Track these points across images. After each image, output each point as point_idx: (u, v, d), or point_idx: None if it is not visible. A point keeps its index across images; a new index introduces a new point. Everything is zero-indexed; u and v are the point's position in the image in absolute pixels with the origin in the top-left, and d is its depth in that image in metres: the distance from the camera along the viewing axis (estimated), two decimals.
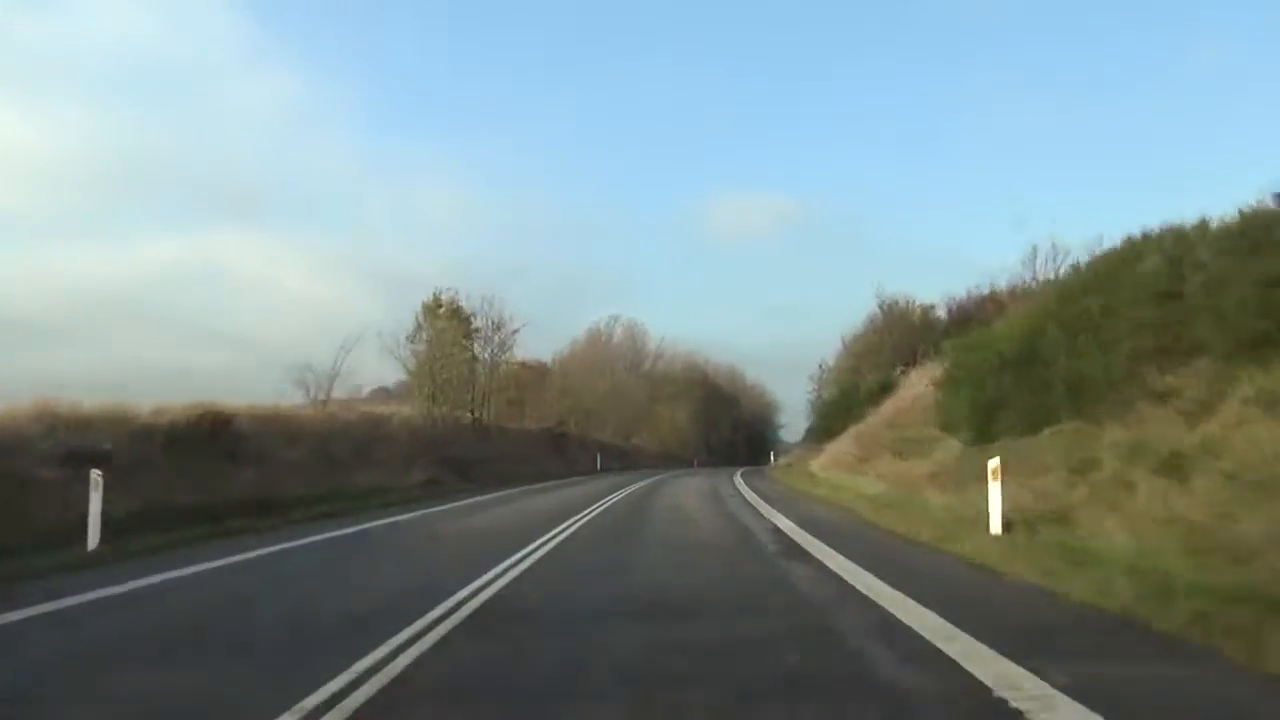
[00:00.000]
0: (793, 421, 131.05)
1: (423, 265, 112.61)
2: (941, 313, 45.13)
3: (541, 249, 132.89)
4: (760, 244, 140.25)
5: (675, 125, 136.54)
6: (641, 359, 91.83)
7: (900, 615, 7.13)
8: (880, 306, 51.39)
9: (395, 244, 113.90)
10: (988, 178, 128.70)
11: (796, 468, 45.99)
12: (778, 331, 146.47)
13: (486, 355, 45.27)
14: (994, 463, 12.19)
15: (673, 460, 74.20)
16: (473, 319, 43.75)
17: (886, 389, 39.13)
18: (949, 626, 6.56)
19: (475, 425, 39.89)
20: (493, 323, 45.98)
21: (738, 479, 37.61)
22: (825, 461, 39.25)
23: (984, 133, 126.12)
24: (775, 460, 72.23)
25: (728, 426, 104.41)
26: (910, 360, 41.46)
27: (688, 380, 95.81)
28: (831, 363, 69.60)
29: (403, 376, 41.97)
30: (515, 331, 46.22)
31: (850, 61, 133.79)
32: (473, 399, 40.90)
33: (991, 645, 5.90)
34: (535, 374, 63.44)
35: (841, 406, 46.22)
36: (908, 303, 50.80)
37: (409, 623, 6.93)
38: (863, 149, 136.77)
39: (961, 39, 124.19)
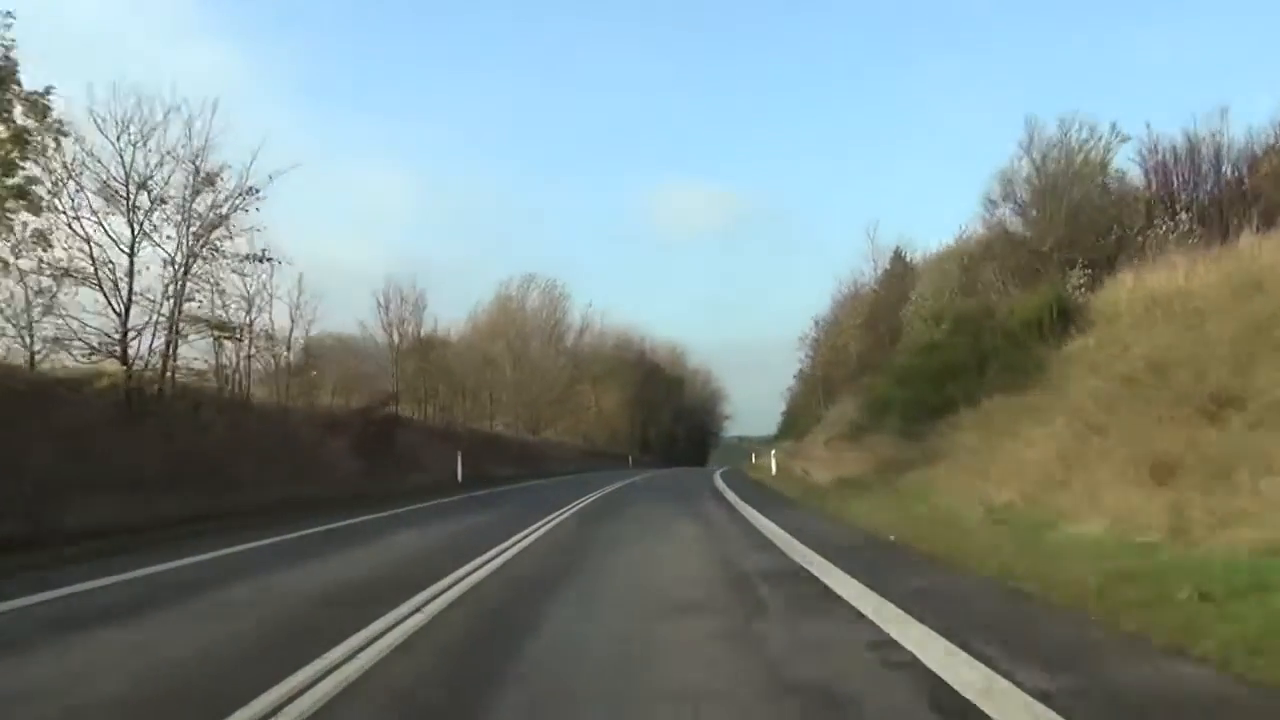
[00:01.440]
0: (740, 414, 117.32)
1: (358, 254, 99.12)
2: None
3: (484, 241, 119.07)
4: (705, 236, 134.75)
5: (624, 113, 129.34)
6: (562, 331, 73.17)
7: None
8: None
9: (330, 231, 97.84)
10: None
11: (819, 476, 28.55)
12: (722, 324, 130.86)
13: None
14: None
15: (600, 460, 55.92)
16: None
17: None
18: None
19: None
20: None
21: (779, 533, 19.54)
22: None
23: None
24: (755, 460, 54.52)
25: (668, 417, 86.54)
26: None
27: (620, 359, 77.72)
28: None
29: None
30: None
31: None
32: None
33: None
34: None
35: None
36: None
37: None
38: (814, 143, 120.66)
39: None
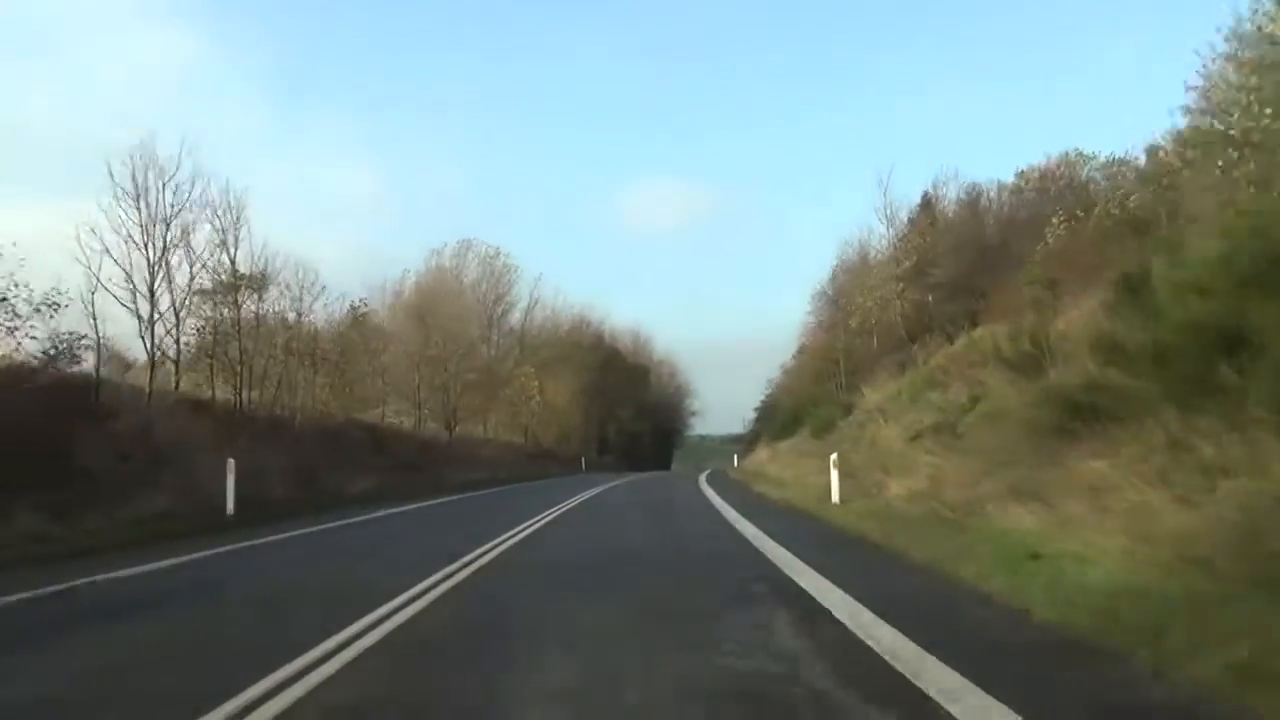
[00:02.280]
0: (710, 412, 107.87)
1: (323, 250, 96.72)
2: None
3: (443, 233, 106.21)
4: (676, 232, 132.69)
5: (596, 107, 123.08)
6: (505, 308, 60.16)
7: None
8: None
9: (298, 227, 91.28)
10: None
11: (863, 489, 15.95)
12: (684, 321, 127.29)
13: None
14: None
15: (545, 463, 43.04)
16: None
17: None
18: None
19: None
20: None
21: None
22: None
23: None
24: (739, 462, 42.52)
25: (630, 412, 73.90)
26: None
27: (574, 343, 65.06)
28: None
29: None
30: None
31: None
32: None
33: None
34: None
35: None
36: None
37: None
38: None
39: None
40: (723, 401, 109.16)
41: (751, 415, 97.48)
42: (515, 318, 61.89)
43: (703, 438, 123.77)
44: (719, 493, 22.43)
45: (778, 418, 47.10)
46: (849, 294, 37.52)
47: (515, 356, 55.45)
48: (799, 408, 38.81)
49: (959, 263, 30.07)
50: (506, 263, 59.40)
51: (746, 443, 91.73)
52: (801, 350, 46.37)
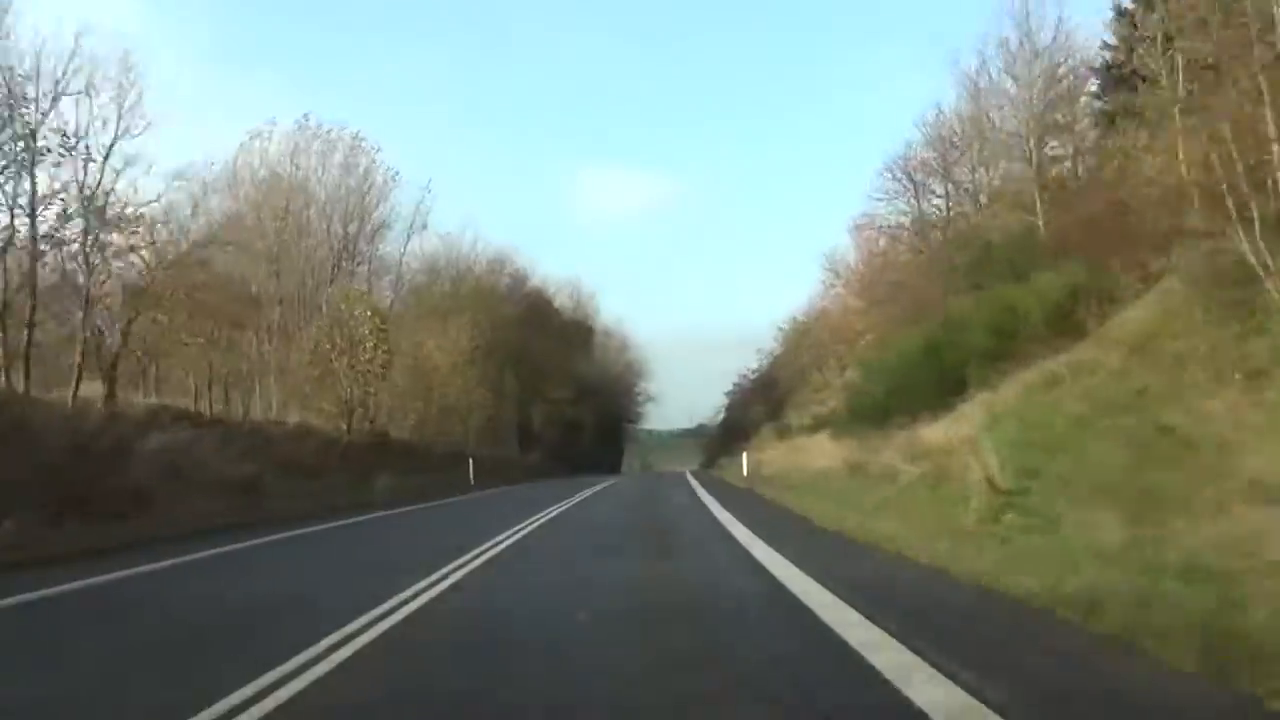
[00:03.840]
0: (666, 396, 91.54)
1: None
2: None
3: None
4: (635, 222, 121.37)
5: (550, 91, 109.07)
6: (369, 226, 38.96)
7: None
8: None
9: None
10: None
11: None
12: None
13: None
14: None
15: (373, 467, 22.11)
16: None
17: None
18: None
19: None
20: None
21: None
22: None
23: None
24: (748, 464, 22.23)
25: (567, 393, 53.59)
26: None
27: (484, 290, 44.64)
28: None
29: None
30: None
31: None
32: None
33: None
34: None
35: None
36: None
37: None
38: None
39: None
40: (664, 393, 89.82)
41: (717, 408, 78.63)
42: (391, 247, 40.99)
43: (651, 432, 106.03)
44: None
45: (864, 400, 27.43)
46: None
47: (364, 298, 34.63)
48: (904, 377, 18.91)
49: None
50: (373, 160, 38.29)
51: (718, 439, 72.73)
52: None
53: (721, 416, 76.05)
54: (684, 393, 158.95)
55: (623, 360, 74.17)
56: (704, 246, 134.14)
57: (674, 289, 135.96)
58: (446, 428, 31.56)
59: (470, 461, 25.98)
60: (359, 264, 38.31)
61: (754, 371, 54.29)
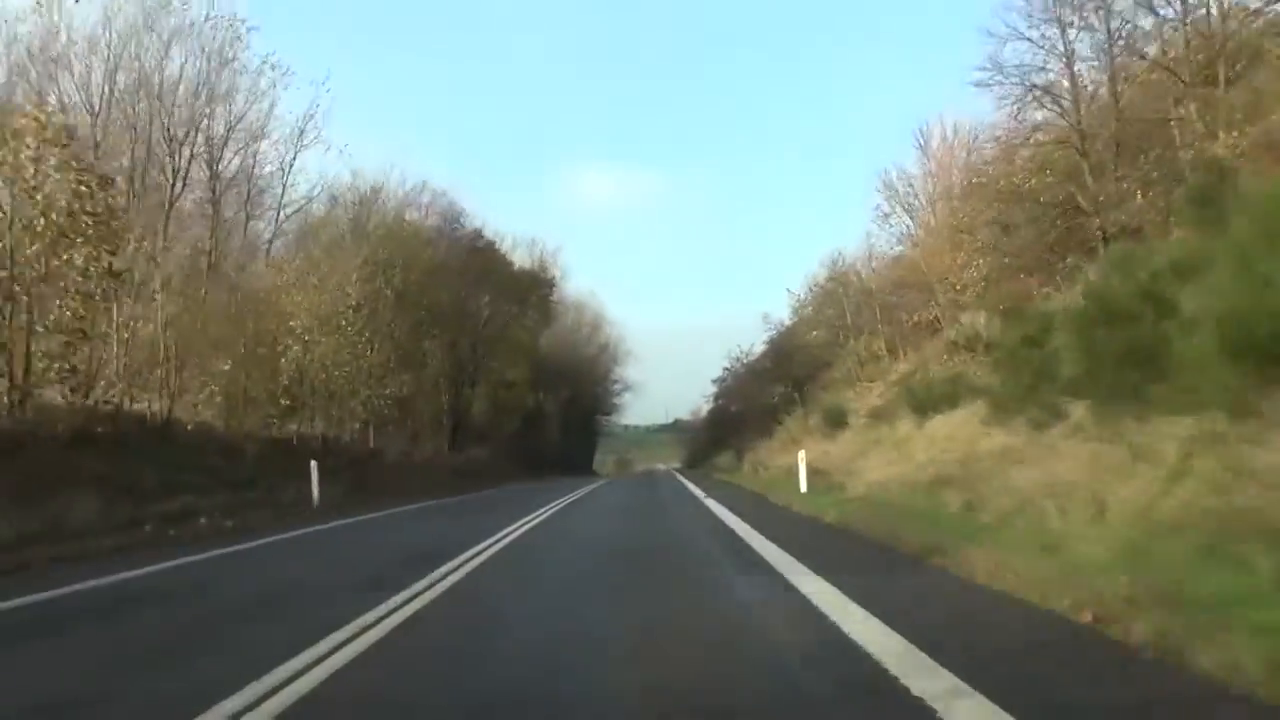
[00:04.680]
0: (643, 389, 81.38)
1: None
2: None
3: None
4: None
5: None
6: (249, 140, 26.83)
7: None
8: None
9: None
10: None
11: None
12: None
13: None
14: None
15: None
16: None
17: None
18: None
19: None
20: None
21: None
22: None
23: None
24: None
25: (523, 373, 41.41)
26: None
27: (404, 231, 32.61)
28: None
29: None
30: None
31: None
32: None
33: None
34: None
35: None
36: None
37: None
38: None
39: None
40: (641, 385, 79.22)
41: (697, 404, 67.65)
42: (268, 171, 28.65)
43: (627, 428, 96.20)
44: None
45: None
46: None
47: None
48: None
49: None
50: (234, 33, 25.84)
51: (705, 434, 60.93)
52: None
53: (709, 408, 63.31)
54: (661, 385, 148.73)
55: (595, 341, 62.22)
56: (687, 245, 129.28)
57: (656, 284, 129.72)
58: (305, 413, 19.58)
59: (314, 467, 14.15)
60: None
61: (746, 355, 42.51)
